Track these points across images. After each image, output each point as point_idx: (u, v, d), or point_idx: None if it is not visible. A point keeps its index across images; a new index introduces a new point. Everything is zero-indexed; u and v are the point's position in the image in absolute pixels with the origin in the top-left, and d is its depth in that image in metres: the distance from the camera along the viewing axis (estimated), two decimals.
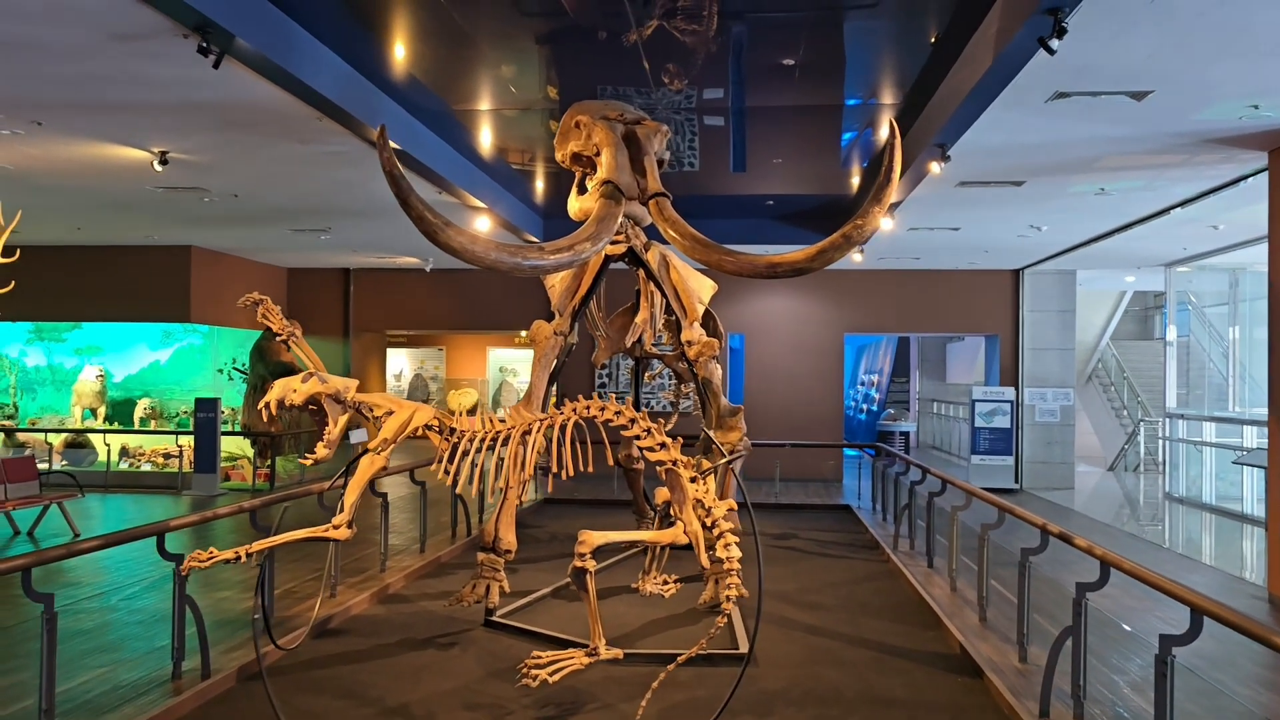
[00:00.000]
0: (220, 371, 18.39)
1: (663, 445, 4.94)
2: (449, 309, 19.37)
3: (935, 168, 8.90)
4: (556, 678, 4.69)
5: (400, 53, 8.74)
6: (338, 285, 19.45)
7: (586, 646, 4.98)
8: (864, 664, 6.78)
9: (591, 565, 4.75)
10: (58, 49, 6.43)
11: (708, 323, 9.88)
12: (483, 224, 12.33)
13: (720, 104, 11.28)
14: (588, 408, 5.11)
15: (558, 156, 7.54)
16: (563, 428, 5.04)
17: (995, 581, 8.36)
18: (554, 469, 5.01)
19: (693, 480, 4.91)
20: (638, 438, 4.96)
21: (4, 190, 10.70)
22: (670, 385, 17.82)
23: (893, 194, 5.91)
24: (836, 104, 10.11)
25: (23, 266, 16.07)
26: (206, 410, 15.48)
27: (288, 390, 4.97)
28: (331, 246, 16.12)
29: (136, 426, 17.99)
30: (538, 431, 5.02)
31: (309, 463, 5.03)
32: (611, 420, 5.06)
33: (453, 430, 5.08)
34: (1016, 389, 17.78)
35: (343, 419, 5.00)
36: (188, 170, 9.97)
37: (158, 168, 9.34)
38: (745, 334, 18.53)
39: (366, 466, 4.90)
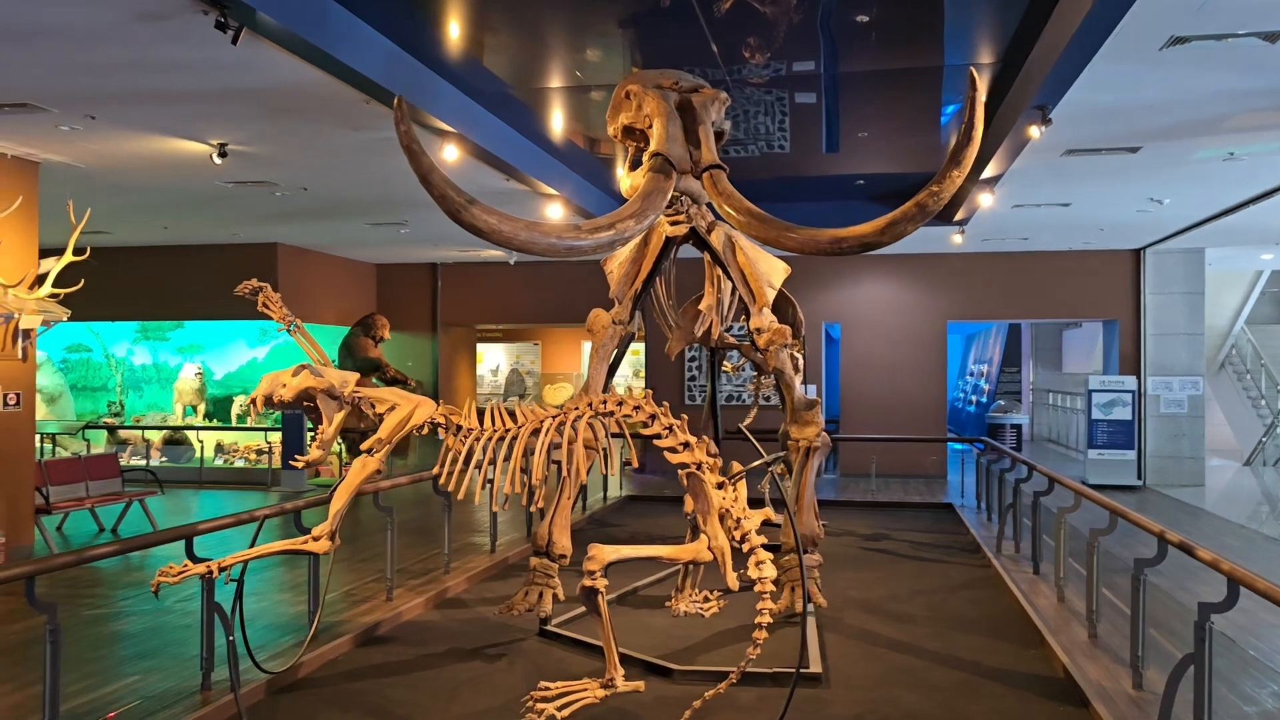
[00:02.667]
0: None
1: (685, 446, 4.33)
2: (538, 302, 19.05)
3: (1035, 132, 8.01)
4: (565, 713, 4.16)
5: (455, 32, 8.34)
6: (426, 280, 19.34)
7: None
8: (950, 687, 6.04)
9: (602, 584, 4.18)
10: (84, 32, 6.19)
11: (785, 309, 9.21)
12: (555, 211, 11.87)
13: (811, 76, 10.60)
14: (604, 402, 4.55)
15: (609, 131, 7.00)
16: (574, 425, 4.47)
17: (1110, 592, 7.49)
18: (565, 472, 4.46)
19: (719, 487, 4.29)
20: (658, 436, 4.37)
21: (81, 189, 10.73)
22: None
23: (973, 155, 5.17)
24: (928, 67, 9.29)
25: (118, 267, 16.50)
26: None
27: (276, 385, 4.56)
28: (414, 241, 15.95)
29: (234, 423, 18.23)
30: (549, 430, 4.47)
31: (299, 465, 4.62)
32: (630, 416, 4.49)
33: (459, 428, 4.59)
34: (1138, 378, 16.45)
35: (338, 417, 4.56)
36: (249, 163, 9.79)
37: (217, 160, 9.15)
38: (842, 323, 17.67)
39: (358, 471, 4.45)
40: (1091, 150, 9.36)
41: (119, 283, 16.33)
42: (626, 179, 6.69)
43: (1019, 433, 22.05)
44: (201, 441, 17.03)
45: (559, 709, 4.16)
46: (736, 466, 4.85)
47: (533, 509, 4.36)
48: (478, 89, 9.18)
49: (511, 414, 4.64)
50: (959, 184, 5.20)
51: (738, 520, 4.20)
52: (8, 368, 9.41)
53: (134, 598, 8.18)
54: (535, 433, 4.43)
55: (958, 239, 14.28)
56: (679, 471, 4.33)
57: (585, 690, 4.29)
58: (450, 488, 4.52)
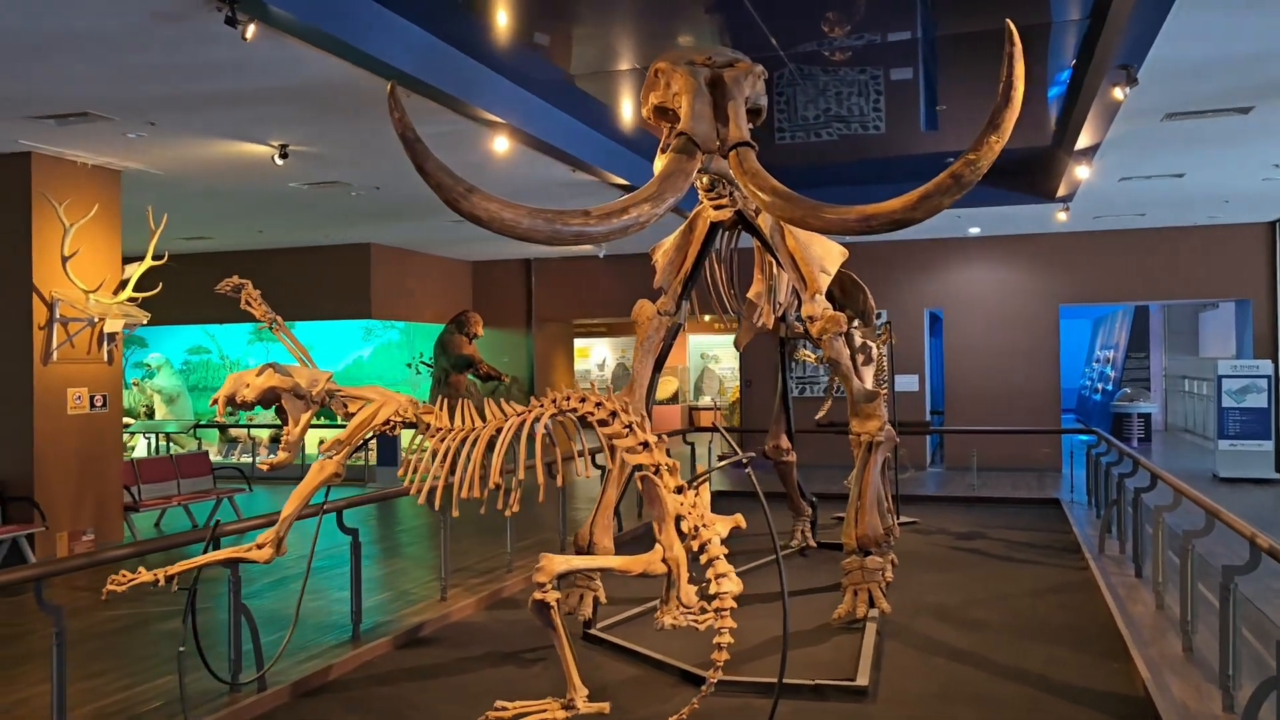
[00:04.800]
0: (409, 366, 18.78)
1: (645, 446, 3.98)
2: (633, 296, 18.78)
3: (1120, 94, 7.30)
4: None
5: (503, 20, 8.17)
6: (520, 276, 19.39)
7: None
8: (1014, 704, 5.51)
9: (553, 597, 3.88)
10: (108, 37, 6.24)
11: (855, 295, 8.73)
12: None
13: (906, 46, 10.11)
14: (568, 398, 4.24)
15: (643, 113, 6.66)
16: (533, 425, 4.18)
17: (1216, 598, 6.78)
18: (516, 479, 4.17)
19: (679, 491, 3.92)
20: (619, 435, 4.04)
21: (167, 196, 11.04)
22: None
23: (1012, 118, 4.63)
24: (1027, 26, 8.64)
25: (225, 271, 17.06)
26: None
27: (240, 385, 4.44)
28: (496, 236, 15.93)
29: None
30: (509, 430, 4.19)
31: (265, 468, 4.49)
32: (593, 414, 4.16)
33: (427, 426, 4.36)
34: (1275, 362, 15.10)
35: (305, 416, 4.41)
36: (315, 164, 9.86)
37: (279, 161, 9.24)
38: (944, 308, 16.84)
39: (314, 474, 4.27)
40: (1195, 113, 8.52)
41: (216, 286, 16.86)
42: (658, 161, 6.36)
43: (1148, 422, 20.64)
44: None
45: None
46: (700, 469, 4.48)
47: (507, 513, 4.06)
48: (535, 79, 9.00)
49: (481, 412, 4.39)
50: (998, 151, 4.67)
51: (695, 528, 3.83)
52: (94, 371, 9.74)
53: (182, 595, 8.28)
54: (499, 433, 4.17)
55: (1062, 216, 13.36)
56: (635, 474, 4.01)
57: (544, 711, 4.02)
58: (412, 491, 4.30)
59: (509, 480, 4.04)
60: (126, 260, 10.13)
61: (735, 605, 3.82)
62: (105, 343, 9.80)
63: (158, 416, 19.63)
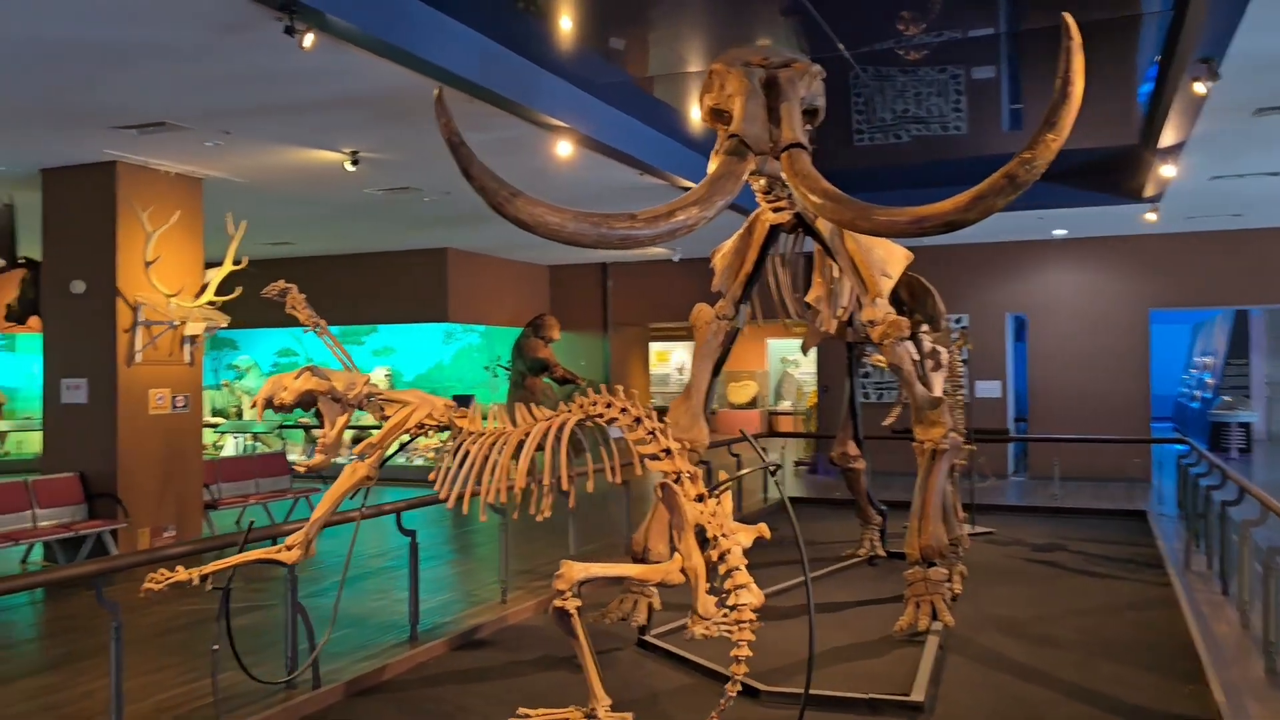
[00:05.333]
0: (486, 369, 19.01)
1: (666, 453, 3.91)
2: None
3: (1201, 89, 6.96)
4: None
5: (575, 26, 8.22)
6: (596, 280, 19.46)
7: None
8: None
9: (573, 605, 3.84)
10: (183, 49, 6.44)
11: (924, 299, 8.53)
12: None
13: (988, 43, 9.91)
14: (594, 403, 4.19)
15: (700, 115, 6.61)
16: (559, 430, 4.14)
17: None
18: (546, 480, 4.13)
19: (699, 499, 3.83)
20: (643, 441, 3.97)
21: (247, 203, 11.35)
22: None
23: (1070, 116, 4.45)
24: (1115, 19, 8.36)
25: (310, 275, 17.49)
26: (463, 406, 15.94)
27: (277, 388, 4.51)
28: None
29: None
30: (536, 435, 4.16)
31: (302, 470, 4.55)
32: (617, 419, 4.11)
33: (459, 430, 4.37)
34: None
35: (341, 419, 4.46)
36: (385, 170, 10.04)
37: (350, 167, 9.43)
38: (1028, 313, 16.34)
39: (346, 477, 4.31)
40: None
41: (310, 291, 17.29)
42: (711, 164, 6.29)
43: (1248, 432, 19.69)
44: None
45: None
46: (723, 475, 4.39)
47: (539, 518, 4.06)
48: (598, 83, 9.02)
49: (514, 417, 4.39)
50: (1055, 150, 4.50)
51: (714, 537, 3.74)
52: (176, 372, 10.07)
53: (258, 590, 8.45)
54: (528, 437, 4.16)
55: (1151, 217, 12.83)
56: (655, 481, 3.95)
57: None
58: (442, 495, 4.32)
59: (539, 482, 4.03)
60: (209, 265, 10.44)
61: (754, 617, 3.73)
62: (187, 345, 10.13)
63: (245, 417, 20.23)
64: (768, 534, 3.91)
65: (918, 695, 5.55)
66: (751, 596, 3.68)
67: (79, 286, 9.68)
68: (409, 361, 20.56)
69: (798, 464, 17.79)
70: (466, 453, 4.29)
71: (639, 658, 6.59)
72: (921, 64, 10.72)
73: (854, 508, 9.91)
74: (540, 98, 8.22)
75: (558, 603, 3.93)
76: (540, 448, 4.08)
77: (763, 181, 6.34)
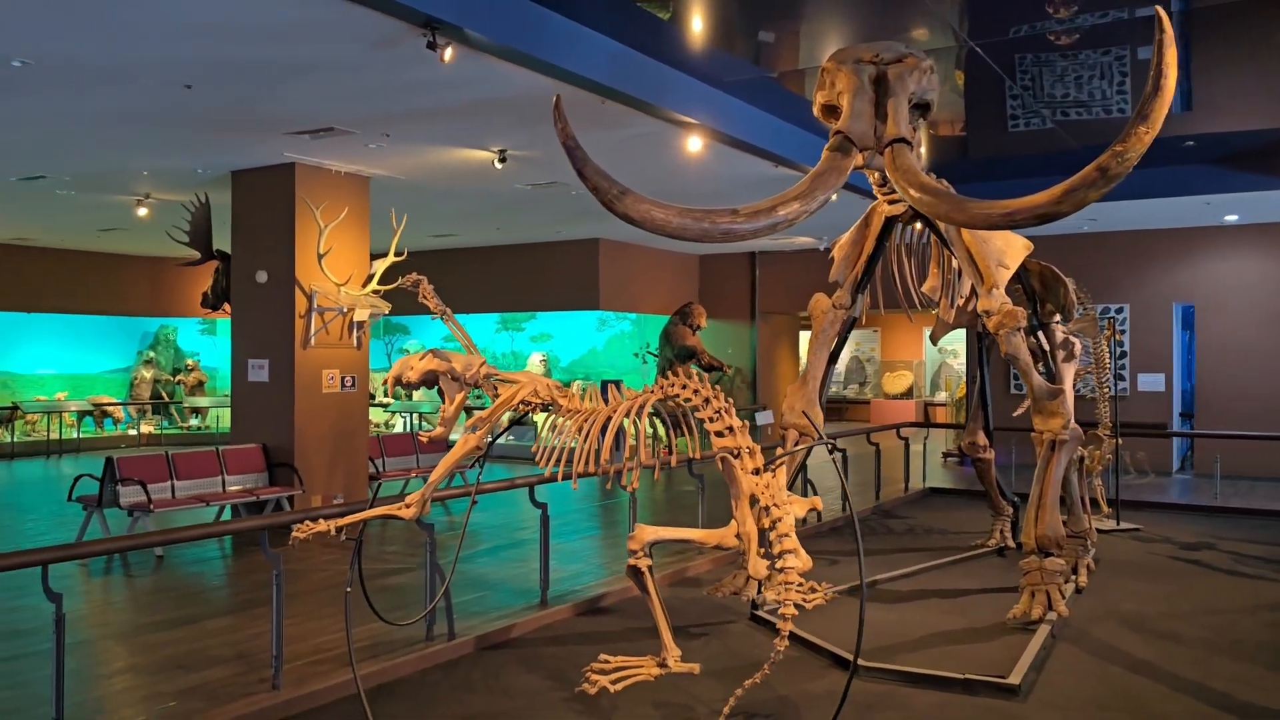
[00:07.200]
0: (635, 355, 19.60)
1: (730, 430, 4.21)
2: None
3: None
4: (618, 687, 4.23)
5: (698, 25, 8.55)
6: (745, 269, 19.71)
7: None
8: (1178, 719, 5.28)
9: (645, 563, 4.19)
10: (344, 62, 7.15)
11: (1054, 288, 8.45)
12: None
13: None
14: (671, 384, 4.53)
15: (815, 112, 6.82)
16: (639, 411, 4.50)
17: None
18: (626, 459, 4.51)
19: (756, 472, 4.11)
20: (711, 419, 4.29)
21: (409, 198, 12.24)
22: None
23: (1163, 108, 4.46)
24: None
25: (472, 265, 18.57)
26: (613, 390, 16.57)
27: (405, 368, 5.05)
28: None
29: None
30: (620, 413, 4.54)
31: (424, 440, 5.08)
32: (690, 400, 4.43)
33: (559, 406, 4.81)
34: None
35: (459, 396, 4.96)
36: (532, 167, 10.65)
37: (498, 165, 10.08)
38: (1196, 303, 15.57)
39: (460, 447, 4.79)
40: None
41: (471, 280, 18.36)
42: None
43: None
44: (535, 422, 18.69)
45: (613, 682, 4.27)
46: (780, 450, 4.63)
47: (629, 489, 4.48)
48: (728, 79, 9.30)
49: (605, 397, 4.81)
50: (1148, 142, 4.51)
51: (766, 508, 4.03)
52: (345, 355, 11.03)
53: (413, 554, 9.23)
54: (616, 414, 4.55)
55: None
56: (718, 454, 4.27)
57: (641, 668, 4.36)
58: (540, 463, 4.79)
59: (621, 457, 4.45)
60: (375, 257, 11.36)
61: (801, 580, 4.02)
62: (354, 330, 11.07)
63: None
64: (820, 506, 4.17)
65: (1014, 678, 5.65)
66: (798, 561, 3.97)
67: (263, 276, 10.76)
68: (565, 347, 21.42)
69: (945, 455, 17.56)
70: (560, 428, 4.74)
71: (750, 630, 6.92)
72: (1079, 47, 10.47)
73: (985, 499, 9.88)
74: (670, 96, 8.59)
75: (631, 561, 4.34)
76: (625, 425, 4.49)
77: (877, 175, 6.52)
